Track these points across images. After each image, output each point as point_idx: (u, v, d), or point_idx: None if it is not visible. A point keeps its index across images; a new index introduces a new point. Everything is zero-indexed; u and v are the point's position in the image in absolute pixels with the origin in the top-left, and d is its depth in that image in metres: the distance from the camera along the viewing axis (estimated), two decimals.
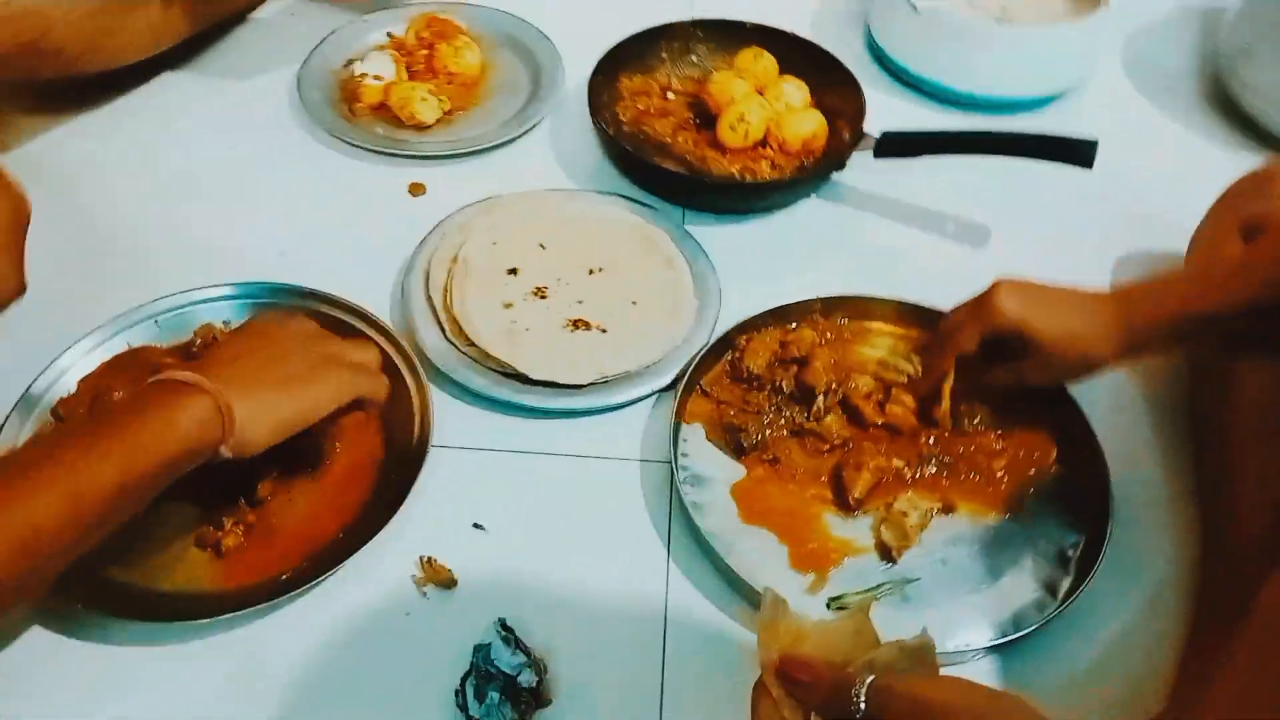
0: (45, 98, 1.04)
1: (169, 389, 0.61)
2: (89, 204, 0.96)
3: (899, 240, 0.99)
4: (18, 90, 1.03)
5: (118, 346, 0.81)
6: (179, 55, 1.10)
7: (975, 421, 0.81)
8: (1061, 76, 1.12)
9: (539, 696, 0.65)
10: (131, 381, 0.79)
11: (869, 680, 0.49)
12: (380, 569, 0.72)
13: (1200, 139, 1.12)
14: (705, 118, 1.06)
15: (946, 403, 0.80)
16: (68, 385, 0.79)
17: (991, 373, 0.79)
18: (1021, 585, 0.73)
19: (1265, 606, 0.57)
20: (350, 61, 1.10)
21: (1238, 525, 0.72)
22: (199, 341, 0.82)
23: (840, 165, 1.00)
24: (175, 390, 0.61)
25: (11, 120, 1.02)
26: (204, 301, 0.84)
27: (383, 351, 0.81)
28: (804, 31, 1.13)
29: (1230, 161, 1.07)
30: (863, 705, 0.47)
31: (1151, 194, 1.03)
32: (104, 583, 0.69)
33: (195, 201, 0.98)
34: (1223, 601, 0.70)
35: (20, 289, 0.72)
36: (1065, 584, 0.73)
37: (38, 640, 0.68)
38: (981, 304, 0.76)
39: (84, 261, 0.91)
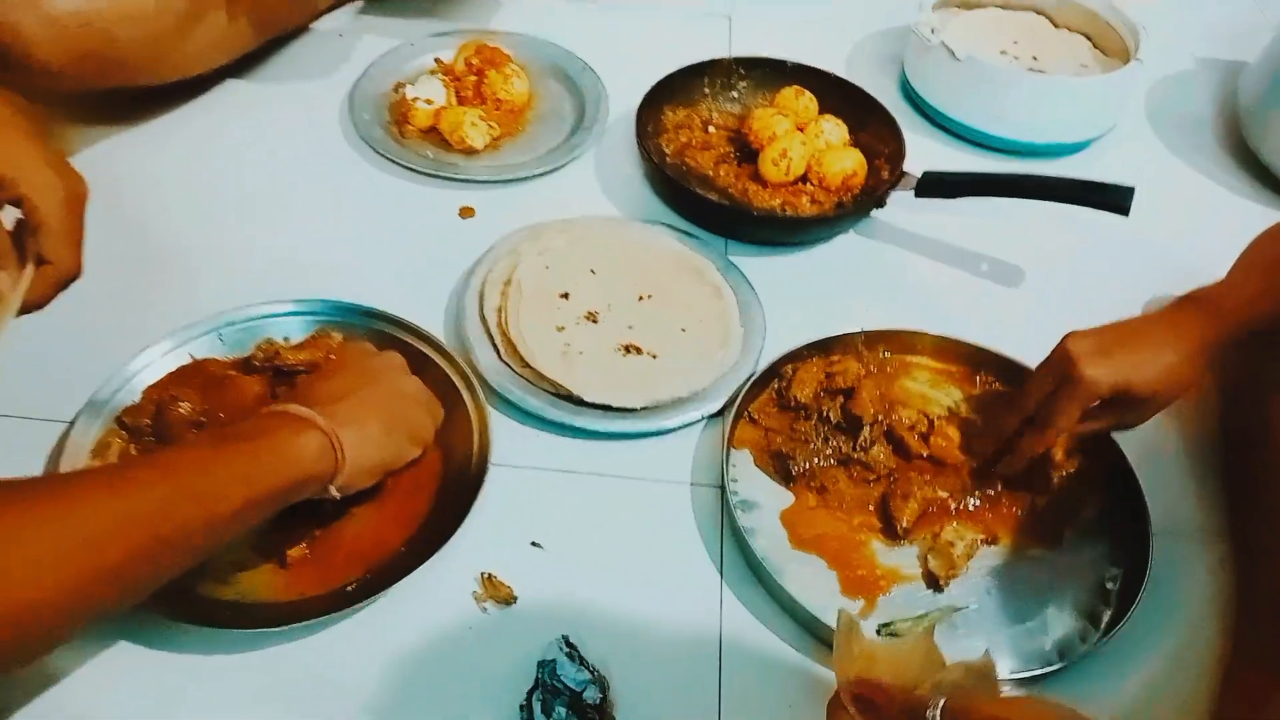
0: (102, 108, 1.06)
1: (286, 421, 0.63)
2: (144, 213, 0.98)
3: (935, 277, 1.02)
4: (76, 99, 1.05)
5: (182, 358, 0.83)
6: (232, 70, 1.12)
7: (1061, 475, 0.83)
8: (1091, 125, 1.15)
9: (603, 713, 0.67)
10: (195, 392, 0.80)
11: (942, 702, 0.51)
12: (441, 585, 0.74)
13: (1222, 188, 1.16)
14: (746, 152, 1.09)
15: (1054, 476, 0.82)
16: (133, 393, 0.80)
17: (1085, 425, 0.77)
18: (1064, 616, 0.75)
19: None
20: (400, 85, 1.13)
21: (1272, 562, 0.75)
22: (260, 356, 0.83)
23: (881, 202, 1.03)
24: (292, 424, 0.62)
25: (69, 129, 1.04)
26: (267, 317, 0.86)
27: (442, 371, 0.83)
28: (840, 72, 1.17)
29: (1251, 210, 1.11)
30: None
31: (1176, 241, 1.06)
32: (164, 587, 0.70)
33: (248, 216, 1.00)
34: (1259, 639, 0.72)
35: (77, 270, 0.71)
36: (1106, 616, 0.75)
37: (88, 641, 0.69)
38: (1070, 379, 0.74)
39: (143, 271, 0.92)
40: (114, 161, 1.03)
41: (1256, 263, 0.83)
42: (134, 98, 1.06)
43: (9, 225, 0.69)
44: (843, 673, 0.55)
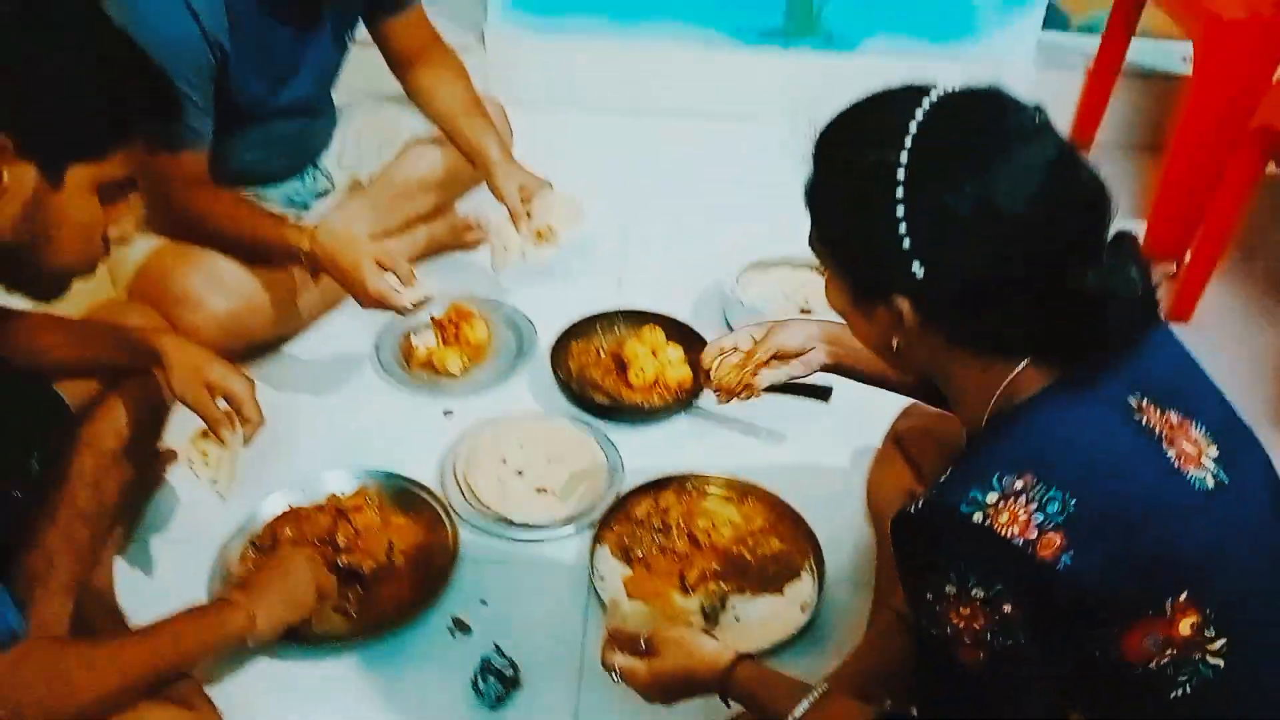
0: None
1: (224, 605, 1.20)
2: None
3: (730, 440, 1.68)
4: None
5: (283, 504, 1.47)
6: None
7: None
8: None
9: (512, 679, 1.28)
10: (292, 525, 1.43)
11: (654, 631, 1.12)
12: (432, 619, 1.36)
13: None
14: (622, 366, 1.76)
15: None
16: (258, 526, 1.44)
17: None
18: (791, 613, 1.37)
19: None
20: (408, 334, 1.81)
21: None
22: (326, 504, 1.47)
23: (695, 398, 1.70)
24: (228, 606, 1.20)
25: None
26: (328, 479, 1.50)
27: (431, 506, 1.47)
28: (685, 315, 1.86)
29: None
30: (643, 646, 1.10)
31: (883, 411, 1.71)
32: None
33: (320, 414, 1.65)
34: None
35: (262, 424, 1.30)
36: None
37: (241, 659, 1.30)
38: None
39: (261, 449, 1.57)
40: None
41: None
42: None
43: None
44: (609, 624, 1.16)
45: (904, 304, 0.87)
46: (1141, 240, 2.03)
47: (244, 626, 1.18)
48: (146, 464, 1.40)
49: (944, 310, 0.88)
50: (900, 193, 0.84)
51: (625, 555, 1.45)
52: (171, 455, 1.49)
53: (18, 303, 1.15)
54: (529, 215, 1.76)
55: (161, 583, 1.40)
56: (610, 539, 1.47)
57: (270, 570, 1.27)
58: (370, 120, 1.90)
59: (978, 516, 0.81)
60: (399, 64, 1.81)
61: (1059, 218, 0.83)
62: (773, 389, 1.64)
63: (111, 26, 1.02)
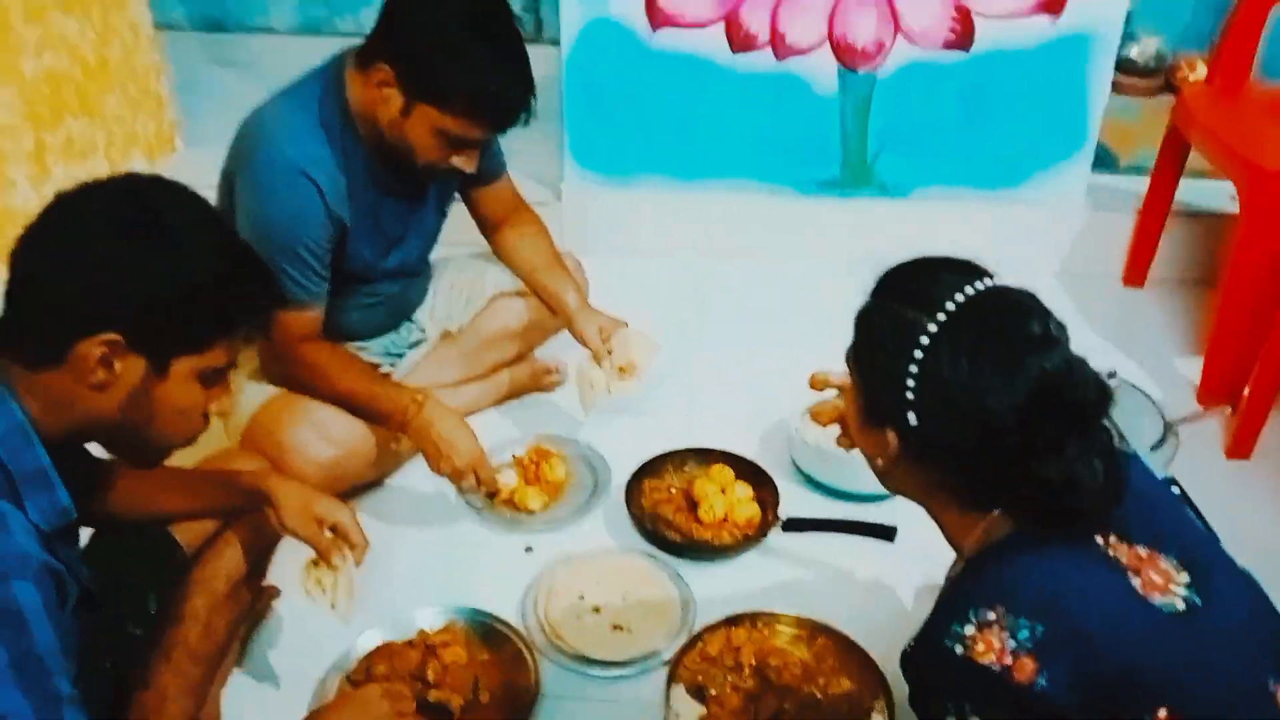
0: None
1: None
2: None
3: (799, 578, 1.73)
4: None
5: (377, 640, 1.55)
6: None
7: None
8: None
9: None
10: (384, 660, 1.51)
11: None
12: None
13: None
14: (692, 503, 1.84)
15: None
16: (352, 662, 1.52)
17: None
18: None
19: None
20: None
21: None
22: (417, 639, 1.55)
23: (764, 535, 1.77)
24: None
25: None
26: (418, 615, 1.59)
27: (514, 643, 1.54)
28: (752, 453, 1.94)
29: None
30: None
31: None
32: None
33: (398, 557, 1.75)
34: None
35: (366, 548, 1.42)
36: None
37: None
38: None
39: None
40: None
41: None
42: None
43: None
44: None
45: (893, 438, 1.04)
46: (1199, 377, 2.11)
47: None
48: (252, 603, 1.50)
49: (927, 458, 1.04)
50: (918, 354, 1.00)
51: (699, 693, 1.50)
52: (274, 592, 1.59)
53: None
54: (610, 353, 1.88)
55: (263, 717, 1.48)
56: (685, 676, 1.52)
57: (345, 705, 1.33)
58: (460, 276, 2.06)
59: (959, 649, 0.92)
60: (487, 225, 1.98)
61: (1037, 425, 0.96)
62: (839, 529, 1.72)
63: (228, 232, 1.12)
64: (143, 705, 1.30)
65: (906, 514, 1.79)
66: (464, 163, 1.64)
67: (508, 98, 1.56)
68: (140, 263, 1.00)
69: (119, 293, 0.98)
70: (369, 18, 1.60)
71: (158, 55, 2.73)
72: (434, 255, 2.03)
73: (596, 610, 1.63)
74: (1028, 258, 2.66)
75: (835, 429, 1.36)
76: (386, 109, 1.57)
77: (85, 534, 1.34)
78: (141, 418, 1.05)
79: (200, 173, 2.56)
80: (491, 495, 1.84)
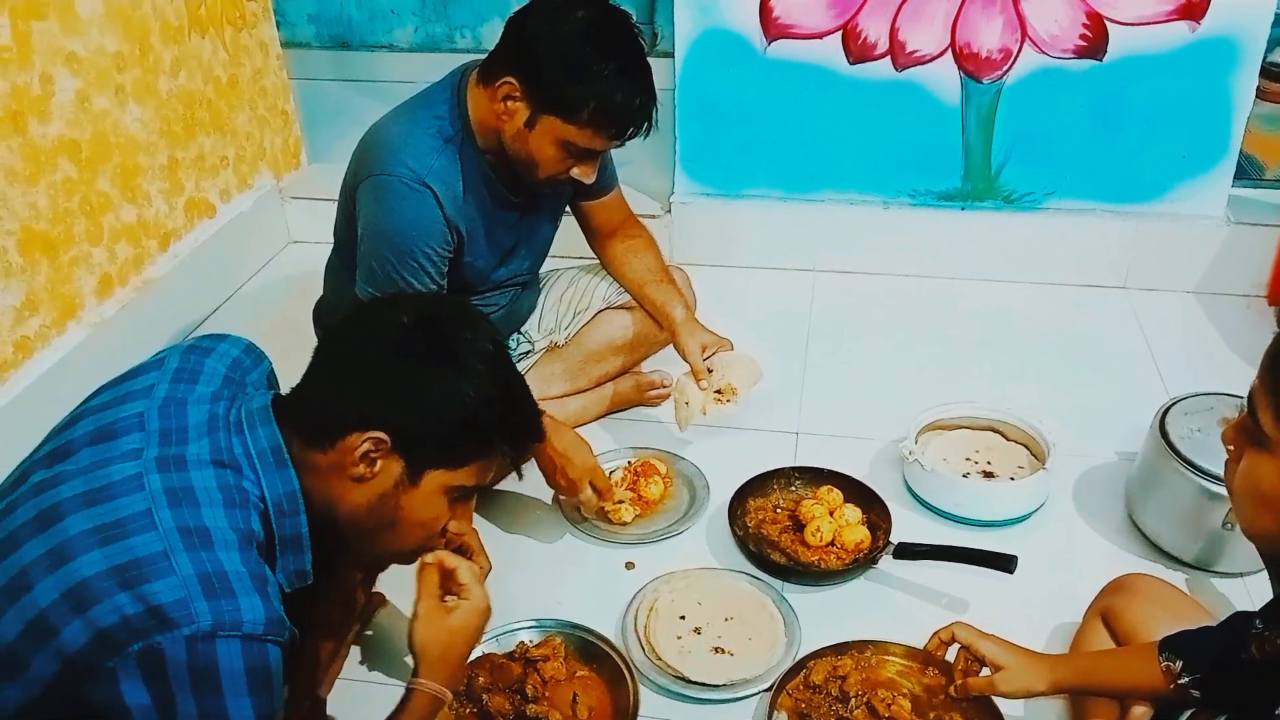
0: None
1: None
2: None
3: (910, 607, 1.66)
4: None
5: (478, 653, 1.55)
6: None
7: None
8: (1019, 508, 1.80)
9: None
10: (485, 672, 1.50)
11: None
12: None
13: (1115, 547, 1.76)
14: (798, 525, 1.79)
15: None
16: None
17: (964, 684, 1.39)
18: None
19: None
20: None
21: None
22: (517, 651, 1.55)
23: (875, 562, 1.70)
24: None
25: None
26: (519, 630, 1.58)
27: (613, 660, 1.52)
28: (862, 474, 1.87)
29: (1128, 565, 1.70)
30: None
31: (1075, 583, 1.66)
32: None
33: (498, 566, 1.74)
34: None
35: (489, 568, 1.46)
36: None
37: None
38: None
39: None
40: None
41: (1076, 640, 1.44)
42: None
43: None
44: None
45: None
46: None
47: (437, 704, 1.22)
48: (362, 609, 1.52)
49: None
50: None
51: None
52: (381, 599, 1.61)
53: None
54: (710, 372, 1.85)
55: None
56: (787, 704, 1.47)
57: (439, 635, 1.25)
58: (569, 289, 2.06)
59: None
60: (597, 238, 1.98)
61: None
62: (954, 557, 1.64)
63: (507, 366, 1.16)
64: None
65: (1027, 544, 1.72)
66: (583, 173, 1.66)
67: (632, 109, 1.58)
68: (424, 383, 1.07)
69: (398, 404, 1.06)
70: (487, 34, 1.64)
71: (285, 74, 2.83)
72: (544, 268, 2.04)
73: (697, 631, 1.59)
74: (1163, 274, 2.54)
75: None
76: (511, 121, 1.59)
77: None
78: (386, 519, 1.11)
79: (322, 187, 2.66)
80: (607, 517, 1.83)
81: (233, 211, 2.61)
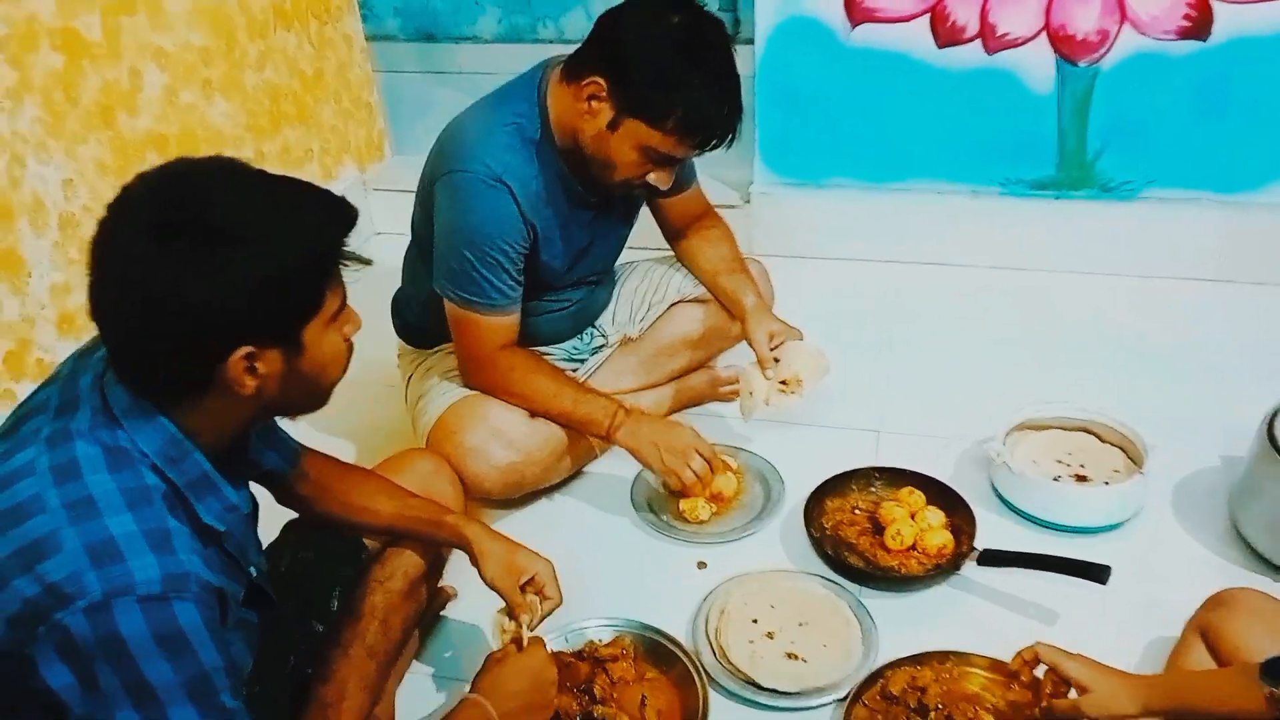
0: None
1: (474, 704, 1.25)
2: None
3: (995, 617, 1.59)
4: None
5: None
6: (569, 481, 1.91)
7: None
8: (1114, 515, 1.71)
9: None
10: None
11: None
12: None
13: (1217, 558, 1.66)
14: (878, 527, 1.73)
15: None
16: None
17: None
18: None
19: None
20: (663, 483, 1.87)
21: None
22: (586, 650, 1.53)
23: (958, 568, 1.63)
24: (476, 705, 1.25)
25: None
26: (588, 628, 1.56)
27: (683, 663, 1.49)
28: (946, 476, 1.80)
29: (1231, 578, 1.60)
30: None
31: (1173, 596, 1.57)
32: None
33: (569, 564, 1.72)
34: None
35: (560, 603, 1.42)
36: None
37: None
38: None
39: None
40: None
41: (1172, 658, 1.35)
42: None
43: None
44: None
45: None
46: None
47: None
48: (429, 601, 1.52)
49: None
50: None
51: None
52: (451, 593, 1.61)
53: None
54: (776, 362, 1.80)
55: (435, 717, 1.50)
56: (862, 715, 1.42)
57: (510, 669, 1.29)
58: (644, 281, 2.02)
59: None
60: (672, 232, 1.95)
61: None
62: (1043, 565, 1.57)
63: (275, 193, 1.00)
64: (322, 699, 1.32)
65: (1122, 553, 1.64)
66: (660, 179, 1.63)
67: (719, 120, 1.55)
68: (222, 278, 0.94)
69: (229, 315, 0.95)
70: (569, 25, 1.61)
71: (369, 66, 2.86)
72: (620, 260, 2.01)
73: (770, 636, 1.55)
74: (1270, 267, 2.40)
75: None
76: (593, 121, 1.57)
77: (271, 530, 1.40)
78: (304, 388, 1.06)
79: (406, 179, 2.66)
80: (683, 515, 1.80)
81: None
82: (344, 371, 1.12)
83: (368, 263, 1.12)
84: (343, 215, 1.04)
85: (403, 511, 1.40)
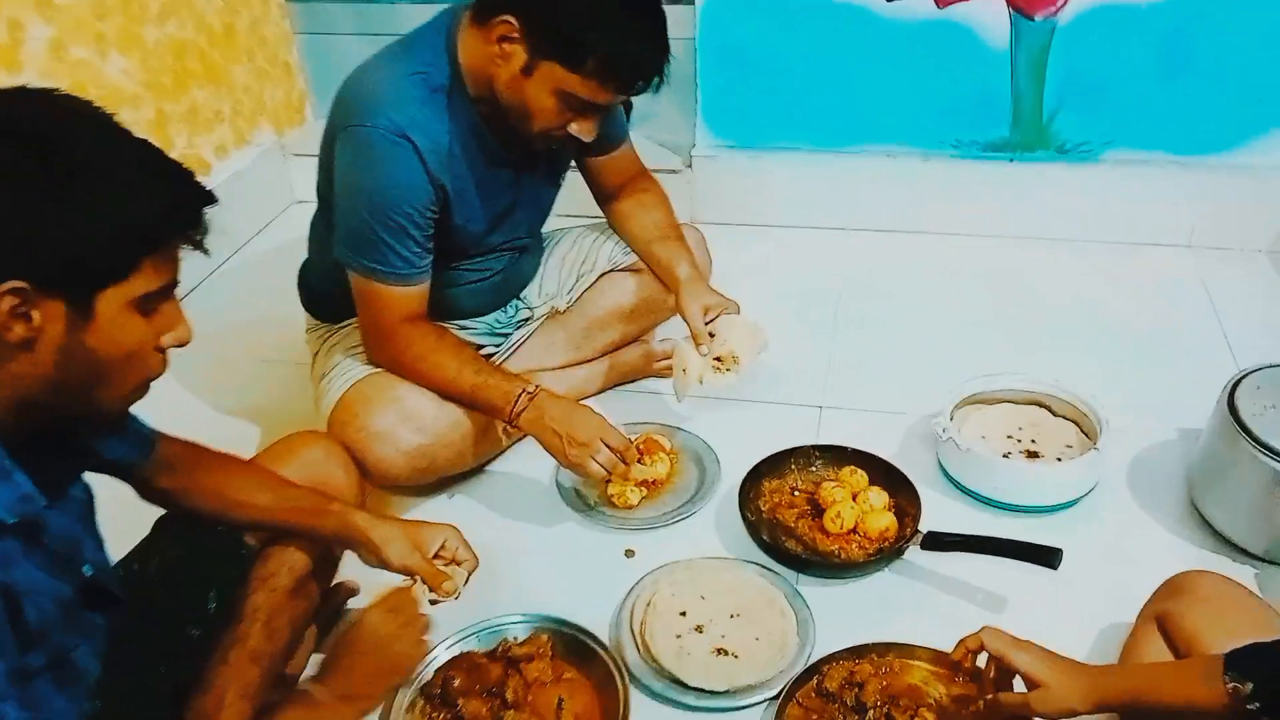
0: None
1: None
2: None
3: (940, 604, 1.49)
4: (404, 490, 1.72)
5: (455, 650, 1.41)
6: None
7: None
8: (1065, 493, 1.61)
9: None
10: (463, 672, 1.36)
11: None
12: None
13: (1174, 538, 1.57)
14: (817, 509, 1.62)
15: None
16: (429, 673, 1.38)
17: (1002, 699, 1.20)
18: None
19: None
20: None
21: None
22: (499, 650, 1.40)
23: (901, 552, 1.53)
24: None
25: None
26: (504, 625, 1.44)
27: (603, 662, 1.37)
28: (890, 454, 1.69)
29: (1189, 559, 1.51)
30: None
31: (1128, 579, 1.47)
32: None
33: (488, 553, 1.60)
34: None
35: (476, 565, 1.35)
36: None
37: None
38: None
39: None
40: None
41: (1127, 647, 1.25)
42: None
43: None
44: None
45: None
46: None
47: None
48: (324, 600, 1.39)
49: None
50: None
51: None
52: (352, 589, 1.47)
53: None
54: (711, 337, 1.68)
55: None
56: (796, 714, 1.31)
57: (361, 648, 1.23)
58: (573, 250, 1.89)
59: None
60: (604, 195, 1.81)
61: None
62: (991, 549, 1.47)
63: (115, 133, 0.92)
64: (199, 710, 1.20)
65: (1075, 534, 1.54)
66: (583, 130, 1.48)
67: (642, 60, 1.42)
68: (23, 202, 0.84)
69: (6, 239, 0.84)
70: None
71: (287, 24, 2.69)
72: (548, 227, 1.87)
73: (699, 630, 1.44)
74: (1233, 232, 2.32)
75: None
76: (506, 66, 1.42)
77: (142, 529, 1.26)
78: (87, 373, 0.92)
79: None
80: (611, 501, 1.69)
81: (229, 169, 2.48)
82: (141, 388, 0.98)
83: (206, 253, 0.97)
84: (194, 194, 0.93)
85: (281, 503, 1.27)
